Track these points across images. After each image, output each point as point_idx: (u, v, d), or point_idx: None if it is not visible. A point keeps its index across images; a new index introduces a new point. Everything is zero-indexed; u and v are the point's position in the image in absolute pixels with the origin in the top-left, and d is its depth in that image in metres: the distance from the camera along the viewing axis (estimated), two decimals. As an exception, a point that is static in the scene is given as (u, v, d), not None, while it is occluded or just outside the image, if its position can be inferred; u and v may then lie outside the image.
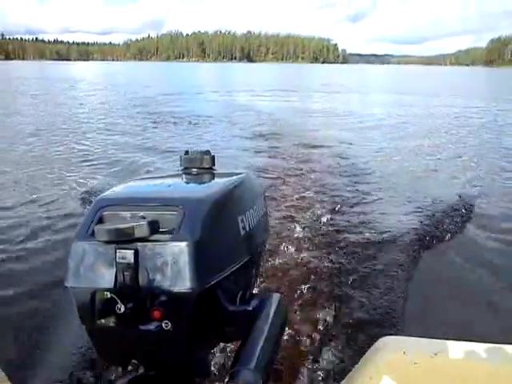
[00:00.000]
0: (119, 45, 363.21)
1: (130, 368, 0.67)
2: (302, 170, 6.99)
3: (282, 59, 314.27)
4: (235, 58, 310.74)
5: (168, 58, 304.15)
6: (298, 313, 3.02)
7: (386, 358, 0.88)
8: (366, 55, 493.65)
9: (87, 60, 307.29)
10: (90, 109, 15.06)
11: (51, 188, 5.92)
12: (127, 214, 0.66)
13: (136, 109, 15.05)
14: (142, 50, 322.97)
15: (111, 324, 0.63)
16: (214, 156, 0.82)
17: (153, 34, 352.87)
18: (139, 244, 0.62)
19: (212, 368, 0.72)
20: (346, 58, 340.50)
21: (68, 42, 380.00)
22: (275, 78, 45.53)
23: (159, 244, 0.62)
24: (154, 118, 12.90)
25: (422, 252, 4.19)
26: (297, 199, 5.51)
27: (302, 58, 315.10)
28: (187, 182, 0.81)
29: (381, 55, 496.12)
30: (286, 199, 5.50)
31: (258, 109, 15.42)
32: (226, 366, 2.17)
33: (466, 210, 5.27)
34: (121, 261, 0.62)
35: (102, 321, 0.63)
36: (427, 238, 4.49)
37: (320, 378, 2.48)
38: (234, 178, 0.80)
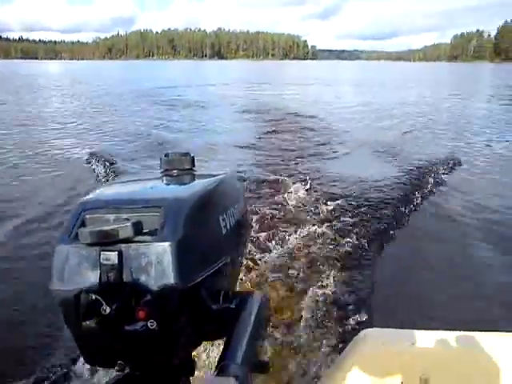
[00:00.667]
0: (87, 43, 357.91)
1: (116, 369, 0.67)
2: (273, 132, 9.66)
3: (253, 56, 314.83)
4: (206, 56, 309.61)
5: (138, 56, 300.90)
6: (279, 308, 3.05)
7: (367, 350, 0.93)
8: (335, 51, 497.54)
9: (55, 59, 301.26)
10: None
11: (30, 189, 5.96)
12: (110, 216, 0.66)
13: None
14: (112, 49, 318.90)
15: (97, 325, 0.63)
16: (193, 157, 0.83)
17: (122, 32, 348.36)
18: (123, 245, 0.62)
19: (196, 367, 0.75)
20: (315, 54, 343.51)
21: (34, 41, 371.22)
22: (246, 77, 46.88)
23: (143, 244, 0.62)
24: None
25: (390, 237, 4.40)
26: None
27: (273, 55, 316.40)
28: (168, 184, 0.81)
29: (350, 51, 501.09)
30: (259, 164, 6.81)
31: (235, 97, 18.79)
32: (210, 365, 2.17)
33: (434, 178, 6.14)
34: (105, 262, 0.62)
35: (88, 322, 0.63)
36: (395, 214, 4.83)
37: (302, 371, 2.50)
38: (215, 178, 0.81)
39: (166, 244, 0.62)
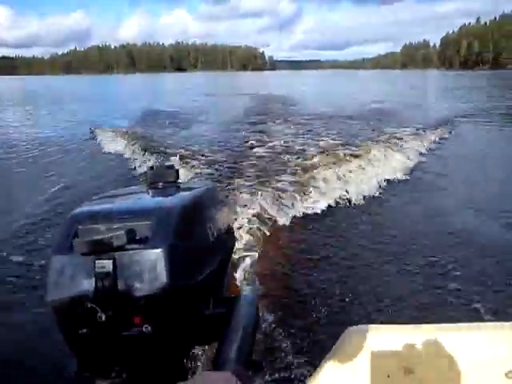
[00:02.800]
0: (43, 58, 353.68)
1: (113, 375, 0.69)
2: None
3: (212, 68, 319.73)
4: (165, 68, 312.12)
5: (97, 71, 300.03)
6: (267, 309, 3.11)
7: (354, 347, 0.95)
8: (293, 61, 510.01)
9: (11, 74, 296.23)
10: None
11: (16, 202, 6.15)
12: (101, 227, 0.69)
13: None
14: (70, 64, 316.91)
15: (93, 333, 0.65)
16: (177, 170, 0.88)
17: (78, 47, 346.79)
18: (116, 253, 0.65)
19: (189, 370, 0.78)
20: (273, 65, 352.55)
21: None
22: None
23: (135, 252, 0.66)
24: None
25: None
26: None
27: (232, 66, 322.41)
28: (156, 195, 0.85)
29: (307, 61, 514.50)
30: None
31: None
32: (203, 369, 2.17)
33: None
34: (100, 270, 0.64)
35: (84, 331, 0.65)
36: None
37: (292, 368, 2.60)
38: (199, 189, 0.85)
39: (158, 250, 0.65)
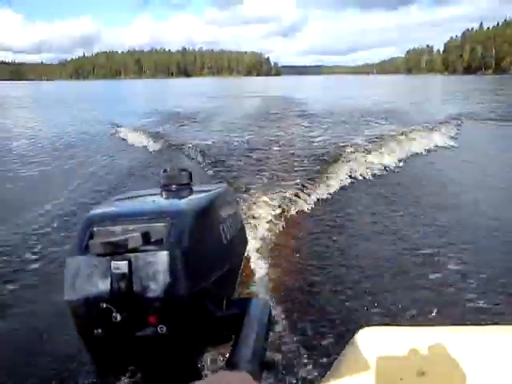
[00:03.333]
0: (52, 64, 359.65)
1: (127, 375, 0.69)
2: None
3: (218, 73, 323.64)
4: (172, 74, 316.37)
5: (105, 76, 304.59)
6: (280, 309, 3.15)
7: (366, 348, 0.94)
8: (298, 67, 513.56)
9: (20, 79, 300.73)
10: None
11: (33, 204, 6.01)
12: (117, 228, 0.70)
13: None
14: (79, 69, 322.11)
15: (108, 333, 0.66)
16: (190, 172, 0.88)
17: (86, 53, 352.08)
18: (132, 255, 0.65)
19: (201, 371, 0.78)
20: (278, 71, 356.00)
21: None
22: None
23: (151, 253, 0.66)
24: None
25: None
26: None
27: (238, 72, 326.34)
28: (170, 197, 0.85)
29: (312, 66, 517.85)
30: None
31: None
32: (211, 370, 2.13)
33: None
34: (115, 271, 0.65)
35: (99, 330, 0.66)
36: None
37: (305, 369, 2.60)
38: (212, 192, 0.86)
39: (173, 252, 0.66)
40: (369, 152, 8.38)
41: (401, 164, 7.88)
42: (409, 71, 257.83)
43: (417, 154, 8.77)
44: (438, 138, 10.34)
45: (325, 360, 2.64)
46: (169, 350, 0.68)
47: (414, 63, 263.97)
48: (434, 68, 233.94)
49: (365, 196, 6.28)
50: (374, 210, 5.62)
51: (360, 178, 7.08)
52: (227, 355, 0.66)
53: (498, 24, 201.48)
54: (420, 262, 4.06)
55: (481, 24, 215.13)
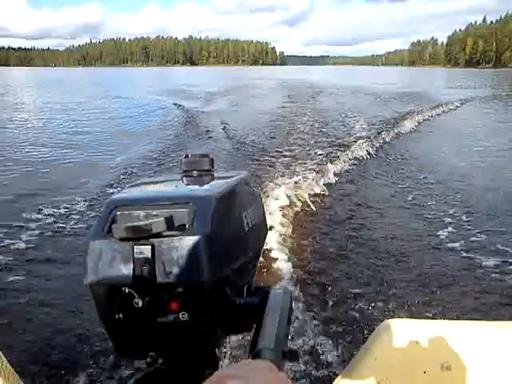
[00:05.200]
0: (58, 50, 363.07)
1: (147, 360, 0.69)
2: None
3: (224, 62, 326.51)
4: (178, 62, 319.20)
5: (112, 64, 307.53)
6: (302, 300, 3.20)
7: (389, 340, 0.94)
8: (303, 57, 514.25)
9: (29, 65, 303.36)
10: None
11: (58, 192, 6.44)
12: (140, 212, 0.70)
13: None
14: (86, 56, 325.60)
15: (129, 318, 0.66)
16: (212, 159, 0.86)
17: (92, 40, 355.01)
18: (155, 240, 0.65)
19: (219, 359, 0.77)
20: (284, 60, 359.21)
21: (3, 48, 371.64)
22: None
23: (174, 239, 0.65)
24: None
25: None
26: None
27: (243, 61, 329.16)
28: (192, 183, 0.85)
29: (317, 57, 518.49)
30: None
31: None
32: (230, 359, 2.37)
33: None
34: (138, 256, 0.65)
35: (121, 316, 0.66)
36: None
37: (327, 361, 2.64)
38: (234, 178, 0.85)
39: (197, 238, 0.65)
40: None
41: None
42: (412, 63, 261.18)
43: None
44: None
45: (347, 350, 2.67)
46: (190, 337, 0.68)
47: (418, 55, 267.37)
48: (437, 60, 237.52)
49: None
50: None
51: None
52: (249, 344, 0.63)
53: (500, 18, 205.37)
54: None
55: (484, 18, 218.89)
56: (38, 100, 23.01)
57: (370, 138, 9.65)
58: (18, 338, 3.00)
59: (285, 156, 8.19)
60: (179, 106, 16.93)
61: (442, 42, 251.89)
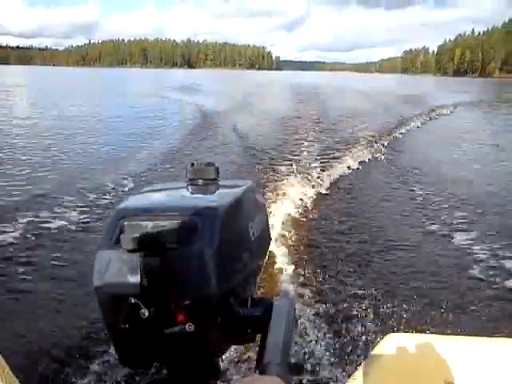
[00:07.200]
0: (57, 50, 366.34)
1: (152, 371, 0.71)
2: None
3: (220, 65, 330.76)
4: (176, 64, 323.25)
5: (110, 65, 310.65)
6: (303, 311, 3.19)
7: (392, 354, 0.94)
8: (299, 62, 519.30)
9: (28, 64, 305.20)
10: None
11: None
12: (148, 223, 0.70)
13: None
14: (86, 56, 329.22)
15: (135, 329, 0.66)
16: (217, 168, 0.86)
17: (87, 40, 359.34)
18: (163, 251, 0.65)
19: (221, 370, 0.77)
20: (279, 65, 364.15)
21: (1, 46, 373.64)
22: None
23: (182, 250, 0.66)
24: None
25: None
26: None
27: (240, 65, 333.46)
28: (198, 193, 0.85)
29: (312, 62, 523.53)
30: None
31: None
32: (231, 371, 2.39)
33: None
34: (145, 267, 0.64)
35: (127, 326, 0.66)
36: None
37: (329, 375, 2.64)
38: (240, 188, 0.85)
39: (205, 249, 0.65)
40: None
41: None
42: (404, 71, 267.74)
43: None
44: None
45: (349, 364, 2.65)
46: (195, 348, 0.68)
47: (411, 63, 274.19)
48: (429, 69, 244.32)
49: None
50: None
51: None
52: (254, 356, 0.61)
53: (487, 30, 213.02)
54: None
55: (473, 29, 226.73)
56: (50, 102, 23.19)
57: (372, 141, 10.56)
58: (18, 339, 3.06)
59: (289, 160, 8.76)
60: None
61: (433, 51, 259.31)
